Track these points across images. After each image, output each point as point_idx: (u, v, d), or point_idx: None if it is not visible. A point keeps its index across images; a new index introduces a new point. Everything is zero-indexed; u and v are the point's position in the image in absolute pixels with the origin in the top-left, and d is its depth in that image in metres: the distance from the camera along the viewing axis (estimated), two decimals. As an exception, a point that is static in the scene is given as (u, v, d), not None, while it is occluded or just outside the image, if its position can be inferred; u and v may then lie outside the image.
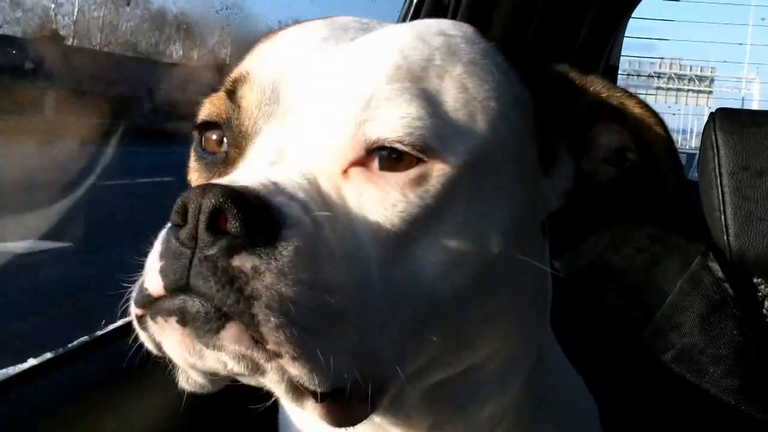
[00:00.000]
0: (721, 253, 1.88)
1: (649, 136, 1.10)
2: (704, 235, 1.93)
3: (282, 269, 0.82)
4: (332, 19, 1.10)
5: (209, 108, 1.05)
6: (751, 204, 1.82)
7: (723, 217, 1.87)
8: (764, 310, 1.86)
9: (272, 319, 0.81)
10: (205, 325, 0.83)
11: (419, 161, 0.93)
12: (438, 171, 0.94)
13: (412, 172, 0.93)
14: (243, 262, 0.82)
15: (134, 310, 0.90)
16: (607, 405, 1.33)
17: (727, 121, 1.94)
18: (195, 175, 1.07)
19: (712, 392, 1.73)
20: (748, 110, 2.05)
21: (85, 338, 1.34)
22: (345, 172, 0.94)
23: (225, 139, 1.03)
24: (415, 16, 2.30)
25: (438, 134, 0.94)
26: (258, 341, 0.82)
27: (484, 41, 1.08)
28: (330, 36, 1.04)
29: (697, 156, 2.11)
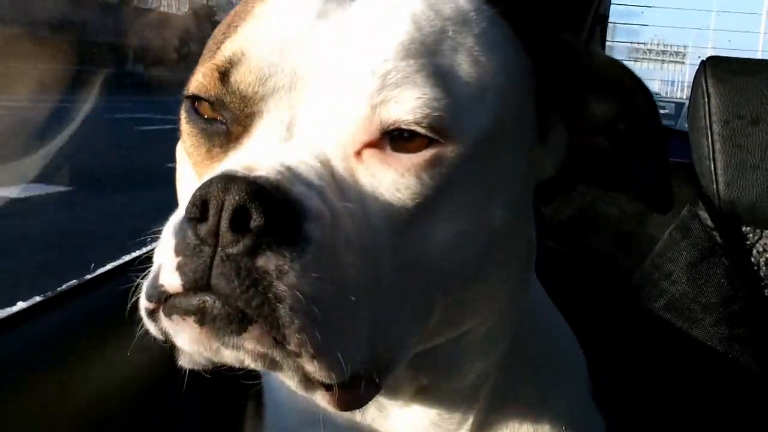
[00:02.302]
0: (710, 201, 1.89)
1: (641, 106, 1.10)
2: (693, 184, 1.93)
3: (305, 267, 0.79)
4: None
5: (201, 83, 0.97)
6: (745, 153, 1.82)
7: (713, 166, 1.86)
8: (752, 258, 1.87)
9: (296, 321, 0.78)
10: (227, 327, 0.80)
11: (432, 141, 0.91)
12: (452, 152, 0.91)
13: (427, 154, 0.90)
14: (267, 261, 0.79)
15: (145, 304, 0.86)
16: (596, 354, 1.33)
17: (719, 68, 1.92)
18: (190, 141, 1.00)
19: (701, 339, 1.74)
20: (739, 58, 2.03)
21: (73, 282, 1.32)
22: (358, 153, 0.91)
23: (222, 113, 0.96)
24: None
25: (453, 114, 0.91)
26: (279, 341, 0.80)
27: (491, 7, 1.05)
28: None
29: (686, 105, 2.10)
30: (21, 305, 1.21)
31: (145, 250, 1.34)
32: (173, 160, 1.08)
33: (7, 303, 1.20)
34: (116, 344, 1.24)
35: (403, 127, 0.89)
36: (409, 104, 0.89)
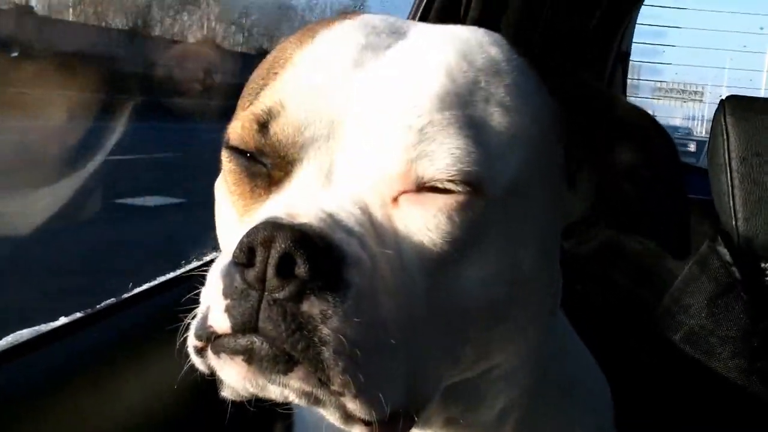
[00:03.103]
0: (729, 237, 1.91)
1: (663, 154, 1.13)
2: (712, 220, 1.96)
3: (347, 312, 0.82)
4: (363, 21, 1.06)
5: (240, 135, 1.00)
6: (762, 189, 1.85)
7: (732, 202, 1.89)
8: (771, 294, 1.89)
9: (340, 363, 0.81)
10: (274, 367, 0.83)
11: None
12: (483, 200, 0.94)
13: (460, 197, 0.93)
14: (311, 307, 0.82)
15: (194, 342, 0.90)
16: (619, 384, 1.35)
17: (738, 107, 1.96)
18: (232, 179, 1.02)
19: (720, 372, 1.76)
20: (757, 97, 2.07)
21: (112, 300, 1.36)
22: (395, 199, 0.94)
23: (263, 159, 0.99)
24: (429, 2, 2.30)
25: (485, 166, 0.94)
26: (323, 382, 0.83)
27: (520, 57, 1.08)
28: (366, 45, 1.01)
29: (706, 144, 2.14)
30: (63, 320, 1.26)
31: (179, 271, 1.39)
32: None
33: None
34: (153, 361, 1.28)
35: (438, 185, 0.93)
36: (443, 162, 0.92)
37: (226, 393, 0.94)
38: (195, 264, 1.49)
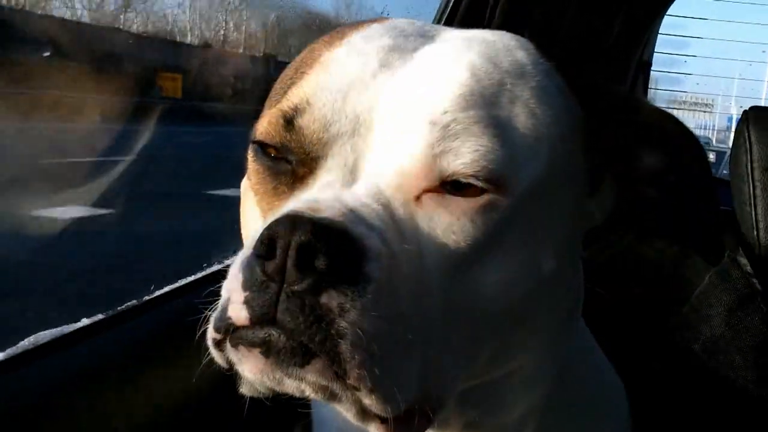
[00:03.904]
0: (750, 248, 1.90)
1: (691, 159, 1.13)
2: (734, 231, 1.95)
3: (365, 306, 0.83)
4: (391, 24, 1.08)
5: (267, 129, 1.01)
6: None
7: (754, 213, 1.88)
8: (791, 306, 1.87)
9: (357, 356, 0.83)
10: (291, 359, 0.84)
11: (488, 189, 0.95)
12: (505, 200, 0.95)
13: (482, 200, 0.94)
14: (330, 299, 0.83)
15: (213, 335, 0.92)
16: (636, 393, 1.35)
17: (761, 118, 1.95)
18: (256, 178, 1.04)
19: (739, 383, 1.74)
20: None
21: (133, 302, 1.39)
22: (418, 198, 0.95)
23: (287, 156, 1.01)
24: (455, 6, 2.32)
25: (508, 165, 0.95)
26: (340, 375, 0.84)
27: (546, 61, 1.09)
28: (394, 47, 1.02)
29: (727, 154, 2.12)
30: (85, 321, 1.28)
31: (201, 274, 1.41)
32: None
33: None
34: (175, 363, 1.31)
35: (462, 180, 0.94)
36: (468, 157, 0.93)
37: (244, 389, 0.96)
38: (217, 267, 1.51)
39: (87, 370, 1.23)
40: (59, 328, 1.23)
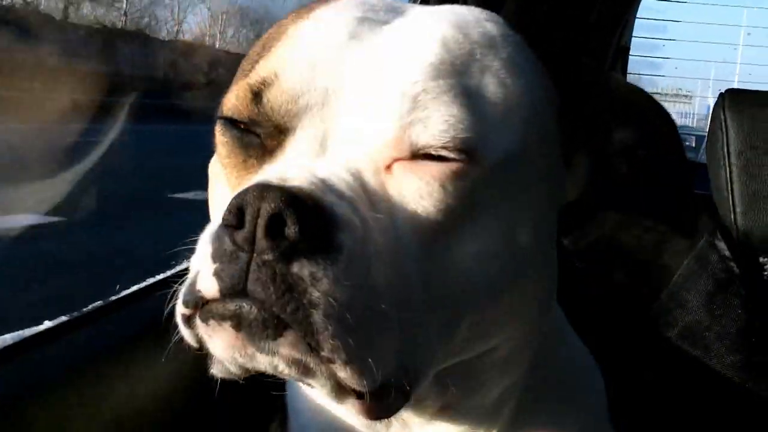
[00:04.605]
0: (728, 232, 1.89)
1: (662, 133, 1.13)
2: (711, 215, 1.94)
3: (338, 275, 0.82)
4: (361, 0, 1.07)
5: (234, 104, 1.00)
6: (758, 183, 1.83)
7: (730, 196, 1.88)
8: (769, 289, 1.87)
9: (330, 327, 0.81)
10: (262, 332, 0.82)
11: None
12: (476, 169, 0.94)
13: (453, 165, 0.93)
14: (301, 268, 0.81)
15: (182, 310, 0.89)
16: (615, 378, 1.35)
17: (737, 100, 1.94)
18: (225, 151, 1.03)
19: (716, 368, 1.74)
20: (757, 90, 2.05)
21: (99, 303, 1.35)
22: (388, 167, 0.94)
23: (256, 129, 1.00)
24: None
25: (479, 134, 0.94)
26: (313, 347, 0.82)
27: (516, 34, 1.08)
28: (363, 19, 1.02)
29: (705, 138, 2.12)
30: (47, 324, 1.25)
31: (169, 273, 1.38)
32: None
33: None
34: (140, 364, 1.28)
35: (432, 152, 0.93)
36: (437, 128, 0.92)
37: (215, 370, 0.93)
38: (186, 265, 1.48)
39: (46, 375, 1.19)
40: (19, 332, 1.19)
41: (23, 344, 1.19)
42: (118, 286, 1.40)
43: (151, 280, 1.45)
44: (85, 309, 1.32)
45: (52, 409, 1.14)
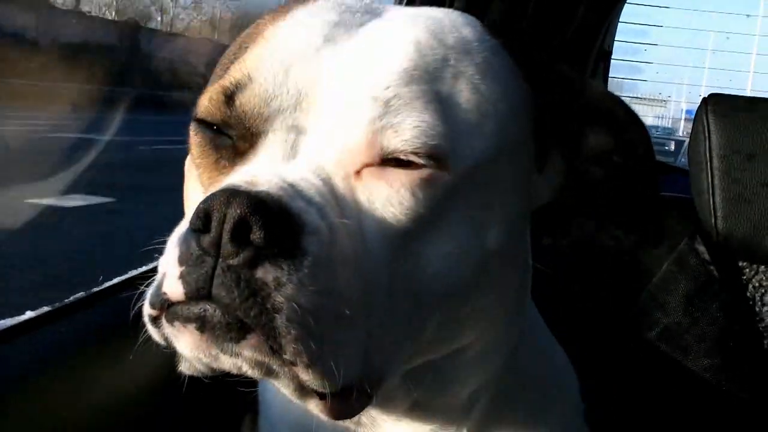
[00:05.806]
0: (708, 235, 1.91)
1: (635, 140, 1.13)
2: (692, 218, 1.95)
3: (302, 280, 0.83)
4: (338, 1, 1.07)
5: (207, 106, 1.00)
6: (740, 187, 1.85)
7: (711, 200, 1.89)
8: (748, 293, 1.89)
9: (292, 331, 0.82)
10: (226, 334, 0.84)
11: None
12: (447, 175, 0.95)
13: (424, 173, 0.94)
14: (265, 273, 0.82)
15: (148, 311, 0.90)
16: (590, 379, 1.36)
17: (720, 105, 1.96)
18: (198, 151, 1.03)
19: (694, 370, 1.76)
20: (740, 96, 2.07)
21: (81, 294, 1.35)
22: (358, 172, 0.94)
23: (229, 132, 1.00)
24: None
25: (450, 140, 0.95)
26: (276, 350, 0.83)
27: (493, 38, 1.08)
28: (339, 22, 1.02)
29: (686, 143, 2.13)
30: (29, 314, 1.24)
31: (153, 265, 1.38)
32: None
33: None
34: (121, 356, 1.27)
35: (402, 157, 0.93)
36: (408, 133, 0.92)
37: (182, 367, 0.95)
38: (154, 264, 1.47)
39: (28, 365, 1.19)
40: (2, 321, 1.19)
41: (3, 334, 1.19)
42: (101, 278, 1.40)
43: (132, 273, 1.45)
44: (67, 300, 1.32)
45: (31, 397, 1.14)
